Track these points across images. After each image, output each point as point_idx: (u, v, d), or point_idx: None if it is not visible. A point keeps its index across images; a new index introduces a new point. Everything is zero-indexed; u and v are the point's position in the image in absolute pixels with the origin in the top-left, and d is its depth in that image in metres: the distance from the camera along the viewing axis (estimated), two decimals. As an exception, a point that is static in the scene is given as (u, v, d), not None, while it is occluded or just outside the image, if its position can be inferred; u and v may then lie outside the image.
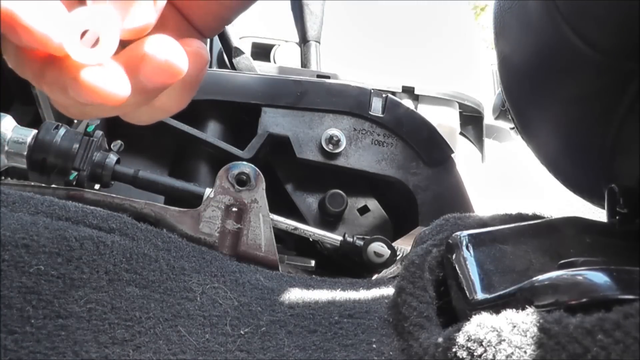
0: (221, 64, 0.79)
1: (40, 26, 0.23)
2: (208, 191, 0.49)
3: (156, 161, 0.65)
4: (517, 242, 0.35)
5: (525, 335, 0.26)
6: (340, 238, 0.56)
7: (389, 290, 0.40)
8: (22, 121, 0.49)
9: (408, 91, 0.79)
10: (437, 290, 0.35)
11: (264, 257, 0.46)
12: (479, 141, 0.87)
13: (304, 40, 0.86)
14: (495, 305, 0.30)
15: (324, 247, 0.58)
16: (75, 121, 0.62)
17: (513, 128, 0.92)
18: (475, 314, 0.29)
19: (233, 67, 0.75)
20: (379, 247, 0.55)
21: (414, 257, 0.37)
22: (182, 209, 0.46)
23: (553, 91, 0.39)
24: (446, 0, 1.34)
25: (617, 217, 0.36)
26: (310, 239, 0.57)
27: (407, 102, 0.78)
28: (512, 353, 0.26)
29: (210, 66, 0.77)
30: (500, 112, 0.86)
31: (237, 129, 0.66)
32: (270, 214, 0.47)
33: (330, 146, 0.60)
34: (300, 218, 0.62)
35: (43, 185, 0.48)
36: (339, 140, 0.61)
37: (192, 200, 0.49)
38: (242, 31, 1.03)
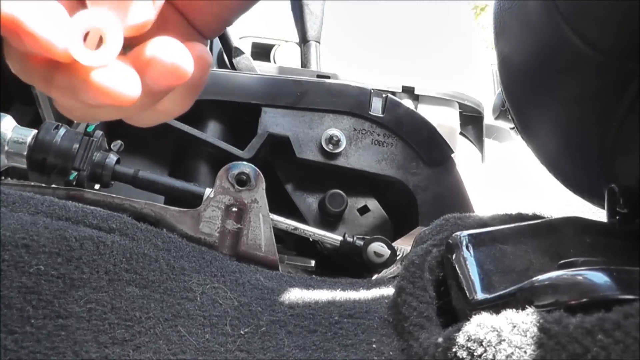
0: (221, 64, 0.79)
1: (45, 32, 0.22)
2: (208, 191, 0.49)
3: (156, 161, 0.65)
4: (517, 242, 0.35)
5: (525, 335, 0.26)
6: (340, 238, 0.56)
7: (389, 290, 0.40)
8: (22, 121, 0.49)
9: (408, 91, 0.79)
10: (437, 290, 0.35)
11: (264, 257, 0.46)
12: (479, 141, 0.87)
13: (304, 40, 0.86)
14: (495, 305, 0.30)
15: (324, 247, 0.58)
16: (75, 121, 0.62)
17: (513, 128, 0.92)
18: (475, 314, 0.29)
19: (233, 67, 0.75)
20: (379, 247, 0.55)
21: (414, 257, 0.37)
22: (182, 209, 0.46)
23: (553, 91, 0.39)
24: (446, 0, 1.34)
25: (617, 217, 0.36)
26: (310, 239, 0.57)
27: (407, 102, 0.78)
28: (512, 353, 0.26)
29: (210, 66, 0.77)
30: (500, 112, 0.86)
31: (237, 129, 0.66)
32: (270, 214, 0.47)
33: (330, 146, 0.60)
34: (300, 218, 0.62)
35: (43, 185, 0.48)
36: (339, 140, 0.61)
37: (192, 200, 0.49)
38: (242, 31, 1.03)
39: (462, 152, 0.85)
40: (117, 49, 0.23)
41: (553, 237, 0.35)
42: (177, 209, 0.46)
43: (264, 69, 0.78)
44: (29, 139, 0.47)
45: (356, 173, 0.62)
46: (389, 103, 0.62)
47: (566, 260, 0.30)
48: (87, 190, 0.48)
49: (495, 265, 0.33)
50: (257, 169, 0.48)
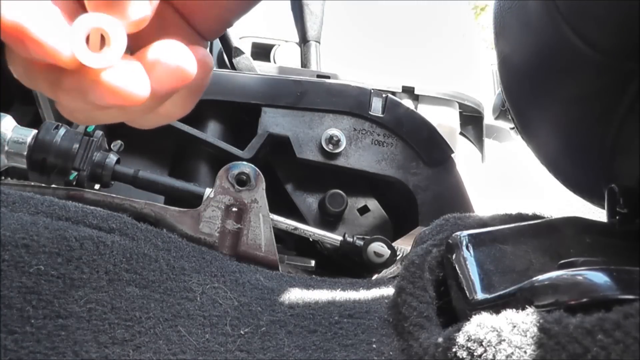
0: (221, 64, 0.79)
1: (50, 39, 0.22)
2: (208, 191, 0.49)
3: (156, 161, 0.65)
4: (517, 242, 0.35)
5: (525, 335, 0.26)
6: (340, 238, 0.56)
7: (389, 290, 0.40)
8: (22, 121, 0.49)
9: (408, 91, 0.79)
10: (437, 290, 0.35)
11: (264, 257, 0.46)
12: (479, 141, 0.87)
13: (304, 40, 0.86)
14: (495, 305, 0.30)
15: (324, 247, 0.58)
16: (76, 122, 0.62)
17: (513, 128, 0.92)
18: (475, 314, 0.29)
19: (233, 67, 0.75)
20: (379, 247, 0.55)
21: (414, 257, 0.37)
22: (182, 209, 0.46)
23: (553, 91, 0.39)
24: (446, 0, 1.34)
25: (617, 217, 0.36)
26: (310, 239, 0.57)
27: (407, 102, 0.78)
28: (512, 353, 0.26)
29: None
30: (500, 112, 0.86)
31: (237, 129, 0.66)
32: (270, 214, 0.47)
33: (330, 146, 0.60)
34: (300, 218, 0.62)
35: (43, 185, 0.48)
36: (339, 140, 0.61)
37: (192, 200, 0.49)
38: (242, 31, 1.03)
39: (462, 152, 0.85)
40: (123, 49, 0.23)
41: (553, 237, 0.35)
42: (177, 209, 0.46)
43: (264, 69, 0.78)
44: (29, 139, 0.47)
45: (356, 173, 0.62)
46: (389, 103, 0.62)
47: (566, 260, 0.30)
48: (87, 190, 0.48)
49: (495, 265, 0.33)
50: (257, 169, 0.48)
